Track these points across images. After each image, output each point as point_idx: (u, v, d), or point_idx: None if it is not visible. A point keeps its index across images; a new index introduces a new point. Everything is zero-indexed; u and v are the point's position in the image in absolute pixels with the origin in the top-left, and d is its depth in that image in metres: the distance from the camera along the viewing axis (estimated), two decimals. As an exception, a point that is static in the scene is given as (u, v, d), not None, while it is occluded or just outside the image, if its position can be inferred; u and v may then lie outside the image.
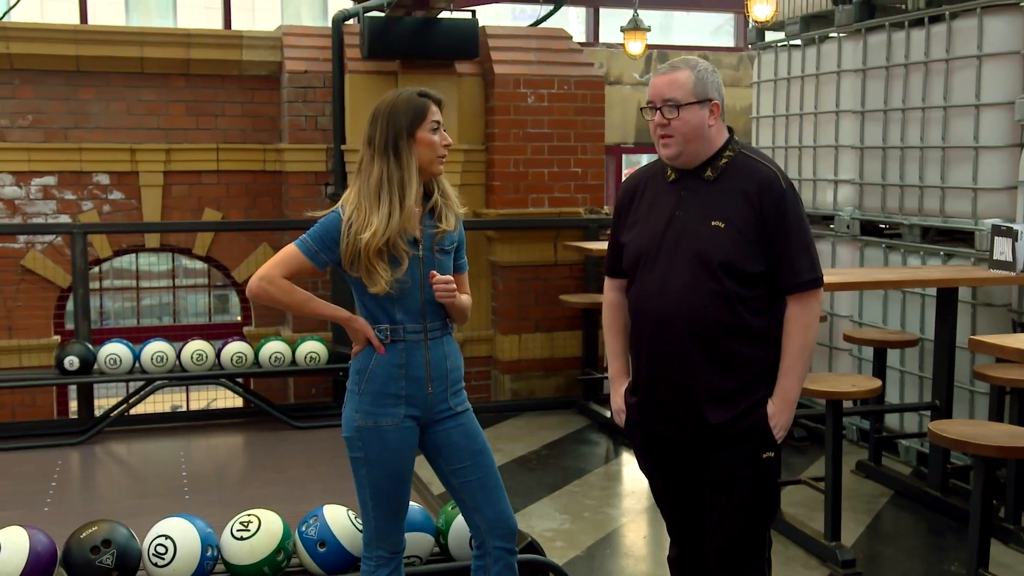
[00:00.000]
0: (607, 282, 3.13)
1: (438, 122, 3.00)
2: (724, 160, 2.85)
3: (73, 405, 7.45)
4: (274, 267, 2.97)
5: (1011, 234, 4.87)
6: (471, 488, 3.10)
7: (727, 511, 2.88)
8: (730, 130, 2.92)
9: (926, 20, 5.66)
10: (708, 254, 2.77)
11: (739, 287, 2.77)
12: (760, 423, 2.84)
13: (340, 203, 3.00)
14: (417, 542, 3.52)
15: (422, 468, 3.25)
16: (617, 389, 3.08)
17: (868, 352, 5.83)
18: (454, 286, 3.00)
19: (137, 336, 6.94)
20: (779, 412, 2.84)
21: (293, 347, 6.71)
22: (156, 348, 6.44)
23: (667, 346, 2.83)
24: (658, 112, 2.83)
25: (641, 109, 2.95)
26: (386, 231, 2.88)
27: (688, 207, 2.85)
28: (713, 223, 2.78)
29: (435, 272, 2.98)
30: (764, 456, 2.87)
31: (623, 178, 3.14)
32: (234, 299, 8.50)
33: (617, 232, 3.05)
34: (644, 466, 3.11)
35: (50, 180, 7.41)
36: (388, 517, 3.04)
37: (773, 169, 2.84)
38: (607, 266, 3.12)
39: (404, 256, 2.93)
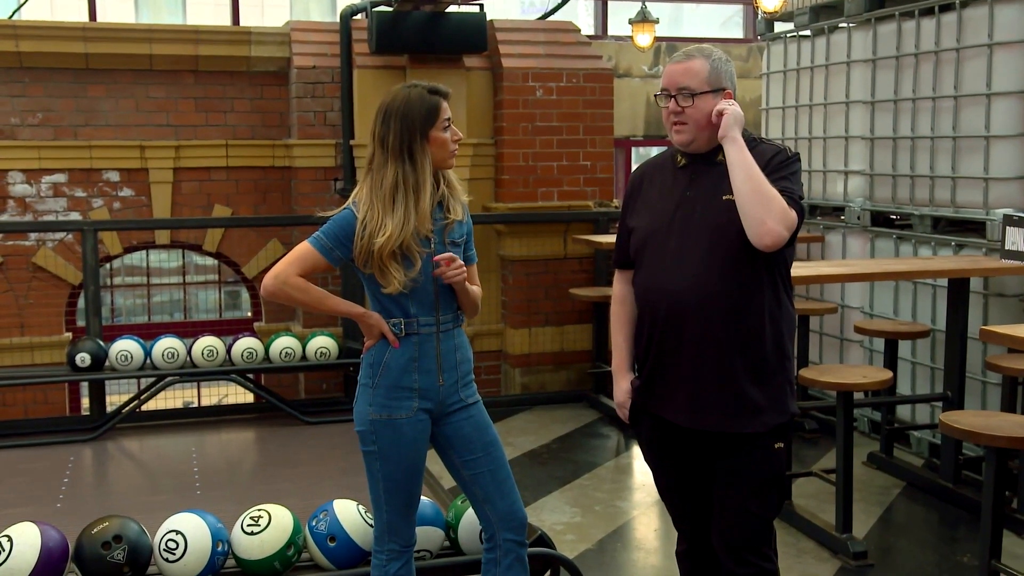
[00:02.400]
0: (616, 275, 3.12)
1: (449, 119, 3.00)
2: None
3: (85, 402, 7.49)
4: (289, 265, 2.97)
5: (1023, 223, 4.84)
6: (482, 480, 3.10)
7: (736, 501, 2.87)
8: None
9: (936, 9, 5.63)
10: (721, 227, 2.77)
11: (751, 263, 2.76)
12: (771, 413, 2.82)
13: (352, 199, 3.00)
14: (427, 536, 3.52)
15: (432, 462, 3.25)
16: (619, 383, 3.07)
17: (879, 343, 5.81)
18: (460, 263, 2.99)
19: (148, 332, 6.96)
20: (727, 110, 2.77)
21: (303, 342, 6.71)
22: (167, 344, 6.46)
23: (680, 324, 2.81)
24: (672, 100, 2.84)
25: (656, 96, 2.94)
26: (400, 235, 2.89)
27: (699, 187, 2.86)
28: (724, 197, 2.78)
29: (436, 259, 2.96)
30: (775, 446, 2.86)
31: (632, 170, 3.16)
32: (244, 295, 8.52)
33: (625, 219, 3.05)
34: (649, 457, 3.09)
35: (60, 177, 7.43)
36: (400, 510, 3.05)
37: (781, 146, 2.87)
38: (616, 258, 3.11)
39: (418, 257, 2.93)
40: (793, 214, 2.71)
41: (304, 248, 2.99)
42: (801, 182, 2.86)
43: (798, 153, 2.88)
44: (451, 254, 2.98)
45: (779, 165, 2.79)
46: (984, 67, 5.32)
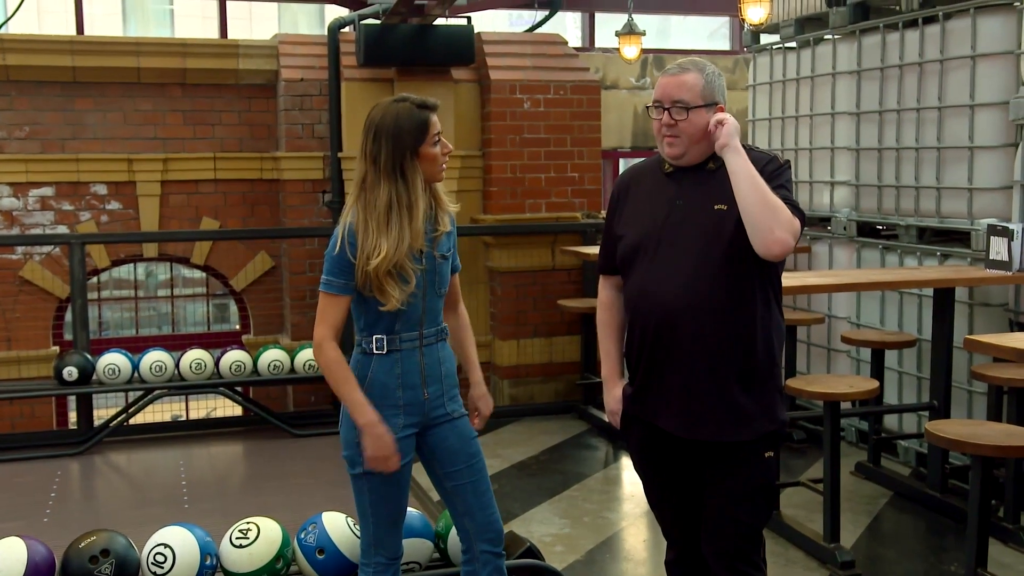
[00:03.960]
0: (601, 280, 3.12)
1: (439, 133, 2.98)
2: None
3: (72, 416, 7.46)
4: (321, 326, 2.97)
5: (1007, 233, 4.88)
6: (463, 492, 3.11)
7: (726, 510, 2.88)
8: None
9: (920, 21, 5.68)
10: (715, 236, 2.77)
11: (744, 271, 2.78)
12: (763, 422, 2.84)
13: (343, 222, 2.96)
14: (416, 548, 3.52)
15: (422, 475, 3.25)
16: (611, 390, 3.07)
17: (866, 353, 5.83)
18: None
19: (136, 346, 6.94)
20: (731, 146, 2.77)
21: (292, 355, 6.71)
22: (155, 358, 6.45)
23: (672, 334, 2.81)
24: (666, 112, 2.84)
25: (647, 108, 2.93)
26: (395, 254, 2.87)
27: (689, 195, 2.86)
28: (716, 207, 2.79)
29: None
30: (765, 455, 2.88)
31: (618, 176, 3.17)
32: (232, 308, 8.50)
33: (612, 226, 3.03)
34: (639, 465, 3.09)
35: (48, 191, 7.42)
36: (387, 523, 3.05)
37: (772, 153, 2.88)
38: (601, 264, 3.10)
39: (411, 274, 2.92)
40: (797, 222, 2.72)
41: (323, 300, 2.98)
42: (792, 186, 2.87)
43: (788, 160, 2.89)
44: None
45: (773, 173, 2.79)
46: (967, 78, 5.36)
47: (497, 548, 3.13)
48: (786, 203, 2.72)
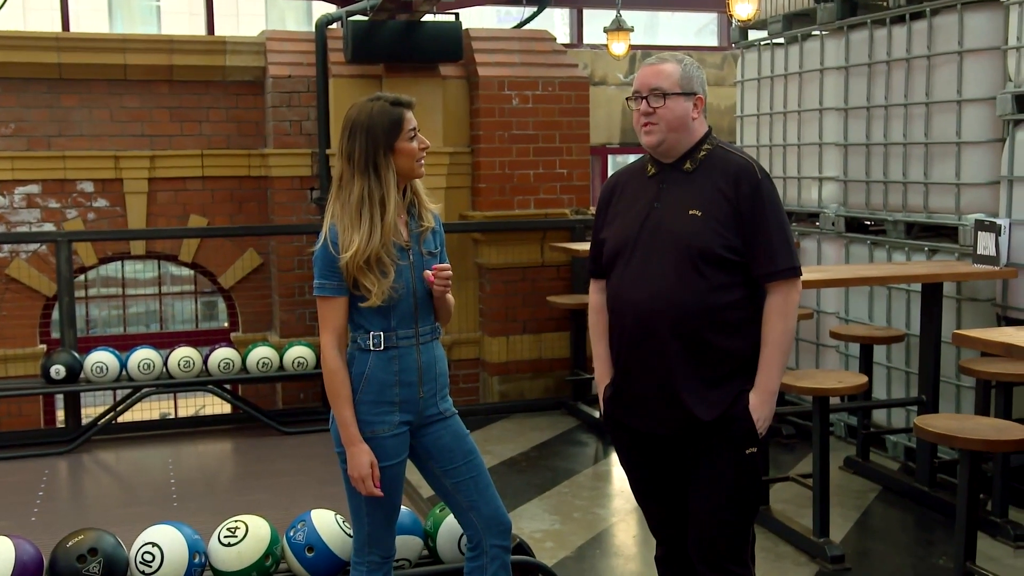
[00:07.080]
0: (592, 284, 3.14)
1: (414, 128, 3.00)
2: (703, 153, 2.90)
3: (60, 414, 7.41)
4: (324, 333, 2.97)
5: (994, 229, 4.90)
6: (466, 487, 3.10)
7: (710, 508, 2.89)
8: (708, 128, 2.96)
9: (907, 17, 5.69)
10: (686, 242, 2.80)
11: (717, 276, 2.80)
12: (742, 419, 2.84)
13: (326, 223, 2.98)
14: (406, 545, 3.52)
15: (411, 472, 3.24)
16: (603, 392, 3.09)
17: (855, 348, 5.85)
18: (450, 273, 3.02)
19: (124, 344, 6.92)
20: (761, 403, 2.84)
21: (281, 352, 6.69)
22: (143, 355, 6.42)
23: (645, 337, 2.85)
24: (644, 101, 2.87)
25: (627, 99, 2.97)
26: (367, 249, 2.88)
27: (666, 198, 2.89)
28: (691, 212, 2.81)
29: (428, 272, 2.99)
30: (747, 452, 2.88)
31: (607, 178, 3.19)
32: (221, 305, 8.48)
33: (598, 230, 3.07)
34: (625, 462, 3.12)
35: (34, 188, 7.38)
36: (382, 522, 3.05)
37: (748, 160, 2.89)
38: (590, 267, 3.13)
39: (390, 267, 2.92)
40: (796, 296, 2.85)
41: (320, 305, 2.98)
42: (780, 201, 2.88)
43: (767, 173, 2.89)
44: (445, 265, 3.02)
45: (765, 209, 2.80)
46: (955, 74, 5.38)
47: (506, 542, 3.13)
48: (783, 241, 2.81)
